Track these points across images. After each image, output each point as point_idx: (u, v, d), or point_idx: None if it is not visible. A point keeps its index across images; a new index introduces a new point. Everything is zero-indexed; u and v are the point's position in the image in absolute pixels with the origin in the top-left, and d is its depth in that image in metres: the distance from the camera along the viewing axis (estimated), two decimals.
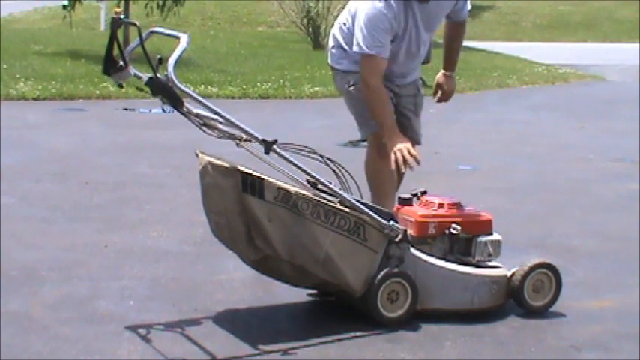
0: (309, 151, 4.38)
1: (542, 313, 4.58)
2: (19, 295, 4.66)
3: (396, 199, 4.86)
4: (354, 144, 9.12)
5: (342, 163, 4.51)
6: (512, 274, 4.57)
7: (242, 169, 4.14)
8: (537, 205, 7.17)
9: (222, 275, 5.04)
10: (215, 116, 4.23)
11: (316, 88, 13.93)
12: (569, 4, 30.13)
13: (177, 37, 4.15)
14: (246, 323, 4.39)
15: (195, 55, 16.14)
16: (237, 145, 4.28)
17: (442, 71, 5.44)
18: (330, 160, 4.44)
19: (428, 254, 4.51)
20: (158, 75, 4.06)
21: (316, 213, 4.22)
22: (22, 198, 6.79)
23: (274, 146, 4.20)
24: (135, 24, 4.17)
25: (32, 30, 22.42)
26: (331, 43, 5.25)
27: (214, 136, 4.30)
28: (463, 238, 4.58)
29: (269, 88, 13.70)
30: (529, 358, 4.14)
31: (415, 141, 5.23)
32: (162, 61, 4.05)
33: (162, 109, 4.10)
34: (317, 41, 19.98)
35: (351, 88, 5.14)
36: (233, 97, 13.10)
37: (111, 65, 4.21)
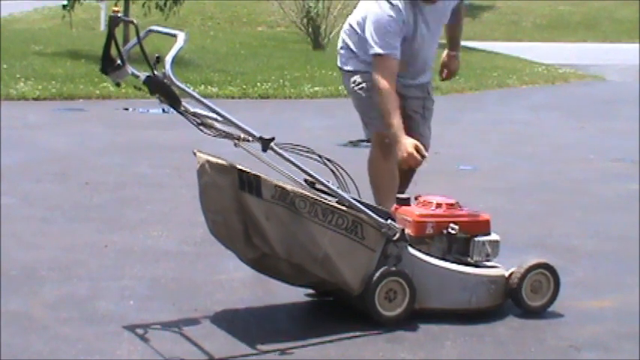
0: (307, 151, 4.38)
1: (540, 313, 4.58)
2: (19, 295, 4.66)
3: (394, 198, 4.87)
4: (353, 144, 9.13)
5: (342, 163, 4.51)
6: (511, 275, 4.58)
7: (239, 167, 4.14)
8: (537, 205, 7.17)
9: (222, 275, 5.05)
10: (213, 115, 4.23)
11: (316, 88, 13.93)
12: (569, 4, 30.12)
13: (175, 36, 4.15)
14: (245, 323, 4.40)
15: (195, 55, 16.14)
16: (235, 144, 4.28)
17: (446, 51, 5.47)
18: (328, 159, 4.44)
19: (426, 254, 4.51)
20: (156, 73, 4.05)
21: (314, 211, 4.22)
22: (22, 198, 6.79)
23: (272, 144, 4.19)
24: (132, 22, 4.17)
25: (32, 30, 22.41)
26: (340, 44, 5.30)
27: (212, 136, 4.30)
28: (461, 238, 4.58)
29: (269, 88, 13.69)
30: (529, 358, 4.14)
31: (426, 144, 5.26)
32: (159, 60, 4.04)
33: (163, 110, 4.09)
34: (317, 41, 19.97)
35: (357, 87, 5.18)
36: (233, 97, 13.09)
37: (108, 64, 4.21)
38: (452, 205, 4.64)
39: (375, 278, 4.30)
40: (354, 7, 5.36)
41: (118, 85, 4.34)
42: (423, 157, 4.87)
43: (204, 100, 4.19)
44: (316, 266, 4.27)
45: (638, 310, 4.68)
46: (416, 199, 4.75)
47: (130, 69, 4.20)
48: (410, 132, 5.11)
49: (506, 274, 4.59)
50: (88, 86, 12.77)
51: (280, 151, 4.24)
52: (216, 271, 5.12)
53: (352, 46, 5.19)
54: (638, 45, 23.68)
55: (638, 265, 5.42)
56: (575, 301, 4.78)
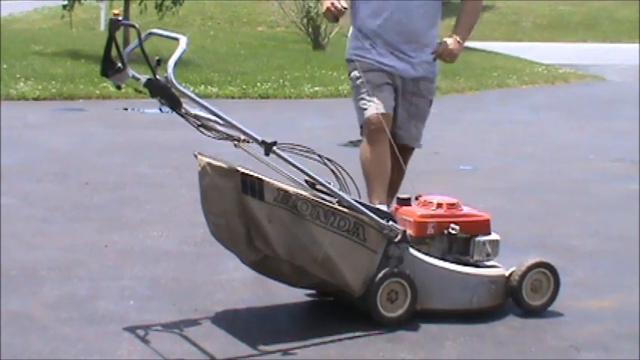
0: (307, 151, 4.38)
1: (540, 312, 4.58)
2: (19, 295, 4.66)
3: (395, 199, 4.87)
4: (354, 144, 9.12)
5: (342, 163, 4.51)
6: (511, 274, 4.58)
7: (241, 170, 4.14)
8: (537, 205, 7.17)
9: (222, 275, 5.05)
10: (214, 117, 4.23)
11: (316, 88, 13.93)
12: (569, 4, 30.13)
13: (177, 39, 4.15)
14: (246, 323, 4.40)
15: (195, 55, 16.14)
16: (235, 146, 4.28)
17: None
18: (329, 160, 4.44)
19: (427, 254, 4.51)
20: (157, 76, 4.06)
21: (316, 213, 4.22)
22: (22, 198, 6.79)
23: (274, 147, 4.20)
24: (134, 26, 4.17)
25: (32, 30, 22.42)
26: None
27: (212, 137, 4.30)
28: (461, 238, 4.58)
29: (269, 88, 13.70)
30: (529, 358, 4.14)
31: (401, 139, 5.23)
32: (160, 63, 4.05)
33: (160, 109, 4.09)
34: (317, 41, 19.98)
35: (351, 75, 5.23)
36: (233, 97, 13.10)
37: (109, 67, 4.21)
38: (452, 205, 4.64)
39: (376, 280, 4.31)
40: None
41: (118, 87, 4.34)
42: (338, 8, 4.99)
43: (206, 104, 4.19)
44: (318, 268, 4.27)
45: (638, 310, 4.68)
46: (416, 199, 4.75)
47: (130, 72, 4.20)
48: (393, 123, 5.17)
49: (507, 273, 4.59)
50: (88, 86, 12.77)
51: (283, 154, 4.24)
52: (216, 271, 5.12)
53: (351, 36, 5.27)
54: (638, 45, 23.70)
55: (638, 265, 5.43)
56: (575, 301, 4.78)
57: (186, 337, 4.16)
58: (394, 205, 4.81)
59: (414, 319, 4.39)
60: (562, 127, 11.82)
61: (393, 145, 5.06)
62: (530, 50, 22.45)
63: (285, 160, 4.25)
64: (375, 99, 5.08)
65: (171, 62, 4.03)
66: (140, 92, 4.22)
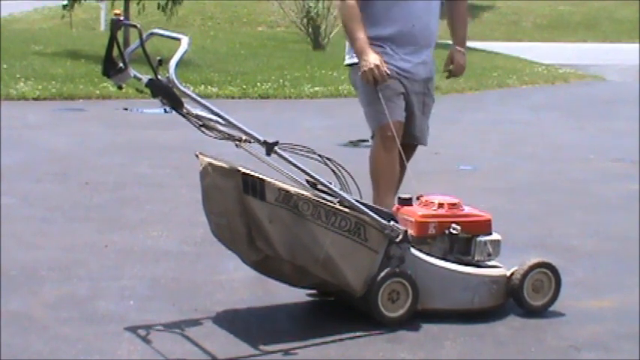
0: (308, 151, 4.38)
1: (541, 312, 4.58)
2: (19, 295, 4.66)
3: (396, 199, 4.88)
4: (354, 144, 9.14)
5: (342, 163, 4.51)
6: (512, 274, 4.58)
7: (243, 170, 4.14)
8: (537, 205, 7.17)
9: (222, 275, 5.05)
10: (215, 117, 4.23)
11: (316, 88, 13.94)
12: (569, 4, 30.14)
13: (178, 39, 4.15)
14: (246, 323, 4.40)
15: (195, 55, 16.14)
16: (236, 145, 4.28)
17: (452, 47, 5.47)
18: (329, 160, 4.44)
19: (428, 254, 4.51)
20: (158, 76, 4.06)
21: (317, 213, 4.22)
22: (22, 198, 6.79)
23: (275, 147, 4.20)
24: (135, 26, 4.17)
25: (32, 30, 22.42)
26: (346, 42, 5.31)
27: (213, 137, 4.31)
28: (463, 238, 4.58)
29: (269, 88, 13.70)
30: (529, 358, 4.14)
31: (418, 140, 5.30)
32: (162, 63, 4.05)
33: (165, 110, 4.08)
34: (317, 41, 19.98)
35: (360, 80, 5.20)
36: (233, 97, 13.10)
37: (111, 67, 4.21)
38: (454, 205, 4.64)
39: (378, 280, 4.30)
40: None
41: (119, 87, 4.34)
42: (383, 75, 4.95)
43: (207, 103, 4.19)
44: (319, 268, 4.27)
45: (638, 310, 4.68)
46: (417, 199, 4.75)
47: (132, 72, 4.20)
48: (409, 126, 5.21)
49: (508, 273, 4.59)
50: (88, 86, 12.78)
51: (284, 154, 4.24)
52: (216, 271, 5.12)
53: None
54: (638, 45, 23.71)
55: (638, 265, 5.43)
56: (575, 301, 4.78)
57: (186, 337, 4.16)
58: (395, 205, 4.81)
59: (414, 319, 4.39)
60: (562, 127, 11.82)
61: (401, 152, 5.15)
62: (530, 50, 22.46)
63: (287, 160, 4.25)
64: (392, 105, 5.11)
65: (172, 62, 4.03)
66: (141, 92, 4.23)
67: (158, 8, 17.53)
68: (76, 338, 4.12)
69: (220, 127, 4.27)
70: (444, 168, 8.35)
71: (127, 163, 8.24)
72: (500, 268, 4.62)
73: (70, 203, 6.66)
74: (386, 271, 4.33)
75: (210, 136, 4.31)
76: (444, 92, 13.35)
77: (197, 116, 4.25)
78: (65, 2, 17.95)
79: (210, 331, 4.27)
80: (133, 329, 4.22)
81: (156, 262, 5.30)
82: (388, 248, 4.36)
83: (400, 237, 4.36)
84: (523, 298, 4.56)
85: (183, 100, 4.16)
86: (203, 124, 4.27)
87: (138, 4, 16.99)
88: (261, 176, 4.15)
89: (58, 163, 8.12)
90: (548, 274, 4.61)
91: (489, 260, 4.62)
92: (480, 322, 4.46)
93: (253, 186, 4.12)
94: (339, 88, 13.83)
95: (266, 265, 4.34)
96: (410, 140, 5.30)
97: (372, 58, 5.00)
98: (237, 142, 4.26)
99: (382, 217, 4.36)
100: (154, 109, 10.89)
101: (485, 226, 4.64)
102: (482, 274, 4.54)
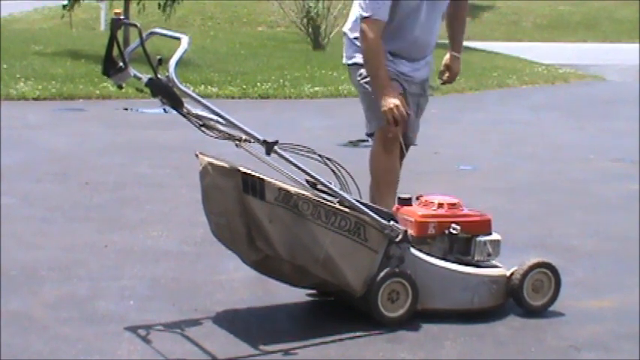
0: (308, 151, 4.38)
1: (541, 312, 4.58)
2: (19, 295, 4.66)
3: (396, 199, 4.88)
4: (353, 144, 9.13)
5: (342, 163, 4.51)
6: (512, 274, 4.58)
7: (242, 169, 4.14)
8: (537, 205, 7.17)
9: (222, 275, 5.05)
10: (215, 117, 4.23)
11: (316, 88, 13.93)
12: (569, 4, 30.13)
13: (178, 39, 4.15)
14: (246, 323, 4.40)
15: (195, 55, 16.13)
16: (236, 145, 4.28)
17: (450, 52, 5.48)
18: (329, 159, 4.44)
19: (428, 254, 4.51)
20: (158, 76, 4.06)
21: (317, 213, 4.22)
22: (22, 198, 6.79)
23: (275, 147, 4.20)
24: (135, 25, 4.17)
25: (32, 30, 22.41)
26: (345, 40, 5.30)
27: (214, 137, 4.31)
28: (462, 238, 4.58)
29: (269, 88, 13.69)
30: (529, 358, 4.14)
31: (410, 140, 5.30)
32: (162, 62, 4.05)
33: (164, 110, 4.08)
34: (317, 41, 19.96)
35: (363, 81, 5.19)
36: (233, 97, 13.09)
37: (111, 66, 4.21)
38: (453, 205, 4.64)
39: (377, 280, 4.31)
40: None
41: (120, 87, 4.34)
42: (403, 115, 4.93)
43: (207, 103, 4.19)
44: (319, 268, 4.28)
45: (638, 310, 4.68)
46: (417, 199, 4.75)
47: (132, 71, 4.20)
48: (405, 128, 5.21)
49: (508, 273, 4.59)
50: (88, 86, 12.77)
51: (284, 154, 4.24)
52: (216, 271, 5.12)
53: (355, 38, 5.19)
54: (638, 45, 23.70)
55: (638, 265, 5.43)
56: (575, 301, 4.78)
57: (186, 337, 4.16)
58: (395, 205, 4.81)
59: (414, 319, 4.39)
60: (562, 127, 11.81)
61: (403, 149, 5.17)
62: (530, 50, 22.44)
63: (287, 159, 4.26)
64: None
65: (172, 62, 4.03)
66: (141, 92, 4.23)
67: (159, 8, 17.52)
68: (76, 338, 4.12)
69: (220, 127, 4.27)
70: (443, 168, 8.35)
71: (127, 163, 8.24)
72: (499, 268, 4.62)
73: (70, 203, 6.66)
74: (386, 271, 4.33)
75: (211, 136, 4.31)
76: (444, 92, 13.32)
77: (197, 116, 4.25)
78: (65, 2, 17.94)
79: (210, 331, 4.27)
80: (133, 329, 4.22)
81: (156, 262, 5.31)
82: (388, 248, 4.36)
83: (400, 237, 4.36)
84: (523, 298, 4.56)
85: (184, 99, 4.16)
86: (203, 124, 4.27)
87: (138, 3, 16.98)
88: (261, 176, 4.15)
89: (58, 163, 8.12)
90: (548, 274, 4.61)
91: (489, 260, 4.62)
92: (480, 322, 4.46)
93: (253, 186, 4.12)
94: (339, 88, 13.83)
95: (266, 264, 4.34)
96: (406, 142, 5.27)
97: (392, 98, 4.93)
98: (237, 142, 4.26)
99: (382, 217, 4.37)
100: (154, 109, 10.88)
101: (485, 226, 4.64)
102: (482, 274, 4.54)
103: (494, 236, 4.64)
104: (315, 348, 4.12)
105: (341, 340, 4.21)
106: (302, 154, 4.36)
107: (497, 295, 4.57)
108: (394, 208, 4.73)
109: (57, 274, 5.02)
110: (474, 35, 23.00)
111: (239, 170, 4.13)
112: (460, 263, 4.56)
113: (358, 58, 5.20)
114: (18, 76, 13.28)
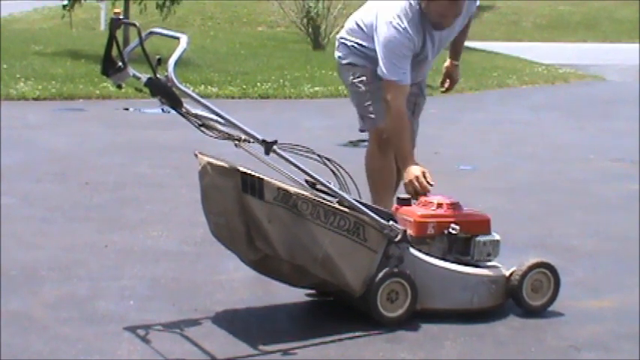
0: (307, 151, 4.38)
1: (540, 312, 4.58)
2: (19, 295, 4.66)
3: (395, 199, 4.87)
4: (353, 144, 9.13)
5: (342, 163, 4.51)
6: (511, 274, 4.58)
7: (242, 169, 4.14)
8: (537, 205, 7.17)
9: (222, 275, 5.05)
10: (214, 117, 4.23)
11: (316, 88, 13.93)
12: (569, 4, 30.13)
13: (177, 38, 4.15)
14: (245, 323, 4.40)
15: (195, 55, 16.13)
16: (235, 145, 4.28)
17: (450, 60, 5.49)
18: (328, 159, 4.44)
19: (427, 254, 4.51)
20: (157, 75, 4.06)
21: (316, 213, 4.22)
22: (22, 198, 6.79)
23: (274, 147, 4.20)
24: (134, 25, 4.17)
25: (32, 30, 22.41)
26: (339, 39, 5.28)
27: (213, 137, 4.31)
28: (462, 238, 4.58)
29: (269, 88, 13.69)
30: (529, 358, 4.14)
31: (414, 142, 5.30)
32: (161, 62, 4.05)
33: (162, 109, 4.09)
34: (317, 41, 19.96)
35: (357, 81, 5.18)
36: (233, 97, 13.10)
37: (110, 66, 4.21)
38: (453, 205, 4.64)
39: (377, 279, 4.31)
40: (355, 8, 5.36)
41: (119, 87, 4.35)
42: (424, 187, 4.78)
43: (207, 103, 4.19)
44: (318, 268, 4.28)
45: (638, 310, 4.68)
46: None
47: (131, 71, 4.20)
48: None
49: (507, 273, 4.59)
50: (88, 86, 12.77)
51: (283, 153, 4.24)
52: (216, 271, 5.12)
53: (355, 42, 5.17)
54: (638, 45, 23.70)
55: (638, 265, 5.43)
56: (575, 301, 4.78)
57: (186, 337, 4.17)
58: (394, 204, 4.80)
59: (414, 319, 4.39)
60: (562, 127, 11.81)
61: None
62: (530, 50, 22.44)
63: (286, 159, 4.26)
64: None
65: (171, 61, 4.03)
66: (141, 91, 4.22)
67: (157, 8, 17.51)
68: (76, 338, 4.13)
69: (220, 127, 4.27)
70: (443, 168, 8.34)
71: (127, 163, 8.24)
72: (499, 268, 4.62)
73: (70, 203, 6.66)
74: (385, 271, 4.33)
75: (210, 136, 4.31)
76: (444, 92, 13.35)
77: (196, 115, 4.25)
78: (65, 2, 17.93)
79: (210, 331, 4.27)
80: (132, 329, 4.22)
81: (156, 262, 5.31)
82: (387, 248, 4.36)
83: (399, 237, 4.36)
84: (522, 298, 4.56)
85: (183, 99, 4.16)
86: (203, 124, 4.27)
87: (139, 4, 16.98)
88: (260, 176, 4.15)
89: (58, 163, 8.12)
90: (547, 274, 4.61)
91: (489, 260, 4.62)
92: (480, 322, 4.46)
93: (252, 185, 4.12)
94: (339, 88, 13.81)
95: (265, 264, 4.34)
96: None
97: (415, 170, 4.83)
98: (237, 142, 4.26)
99: (381, 217, 4.37)
100: (154, 109, 10.89)
101: (485, 226, 4.64)
102: (482, 274, 4.54)
103: (494, 236, 4.63)
104: (315, 348, 4.12)
105: (340, 340, 4.21)
106: (301, 154, 4.37)
107: (496, 295, 4.57)
108: (393, 208, 4.73)
109: (57, 274, 5.02)
110: (473, 35, 22.94)
111: (238, 170, 4.14)
112: (459, 263, 4.56)
113: (351, 59, 5.18)
114: (18, 76, 13.29)
